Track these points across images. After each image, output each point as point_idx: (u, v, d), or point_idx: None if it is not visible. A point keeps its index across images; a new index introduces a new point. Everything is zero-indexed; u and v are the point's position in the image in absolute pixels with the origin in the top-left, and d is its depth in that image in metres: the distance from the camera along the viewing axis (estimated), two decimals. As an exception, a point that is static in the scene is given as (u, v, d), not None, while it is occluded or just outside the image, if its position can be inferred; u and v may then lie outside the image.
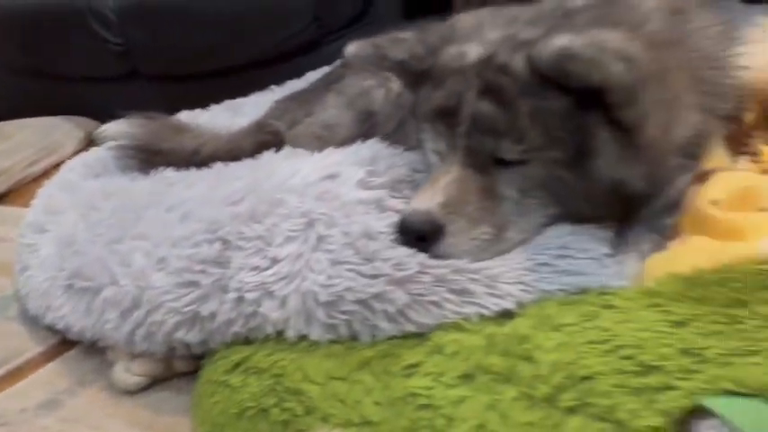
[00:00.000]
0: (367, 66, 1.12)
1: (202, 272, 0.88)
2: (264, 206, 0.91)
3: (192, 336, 0.88)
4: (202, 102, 1.85)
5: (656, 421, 0.54)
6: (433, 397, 0.70)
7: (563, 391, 0.61)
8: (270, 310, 0.82)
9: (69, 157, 2.13)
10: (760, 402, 0.52)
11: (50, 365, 1.07)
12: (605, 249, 0.85)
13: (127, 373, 0.97)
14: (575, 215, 0.88)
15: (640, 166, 0.83)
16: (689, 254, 0.79)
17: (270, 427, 0.77)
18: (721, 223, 0.82)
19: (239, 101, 1.79)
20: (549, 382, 0.63)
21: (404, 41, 0.97)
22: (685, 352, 0.59)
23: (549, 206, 0.87)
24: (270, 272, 0.84)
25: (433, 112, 0.91)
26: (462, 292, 0.80)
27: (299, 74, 1.92)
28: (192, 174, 1.15)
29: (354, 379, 0.77)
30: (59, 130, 2.78)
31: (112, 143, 1.39)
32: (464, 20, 1.01)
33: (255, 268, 0.85)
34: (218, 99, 1.86)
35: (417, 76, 0.96)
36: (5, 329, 1.20)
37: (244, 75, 2.36)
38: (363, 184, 0.93)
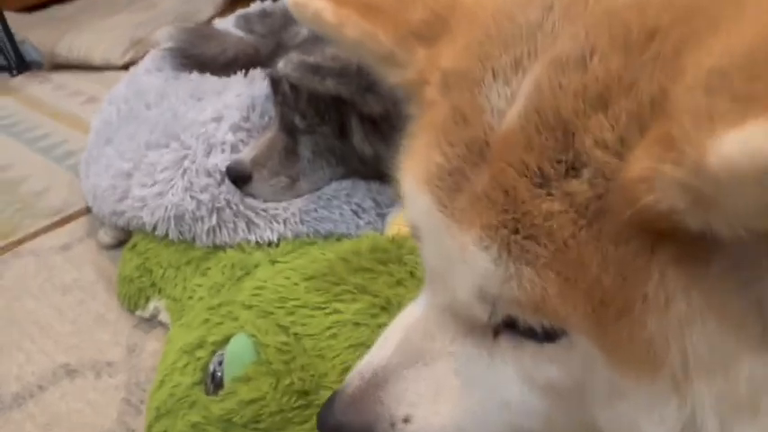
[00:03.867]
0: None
1: (121, 181, 1.30)
2: (164, 139, 1.28)
3: (121, 222, 1.33)
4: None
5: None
6: (199, 289, 1.08)
7: (237, 295, 0.95)
8: (146, 215, 1.23)
9: (206, 22, 2.59)
10: (248, 338, 0.82)
11: (82, 219, 1.60)
12: (370, 203, 1.12)
13: (104, 235, 1.46)
14: (359, 174, 1.15)
15: (386, 146, 1.07)
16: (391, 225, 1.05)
17: (134, 290, 1.21)
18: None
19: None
20: (240, 288, 0.97)
21: (268, 17, 1.23)
22: (282, 298, 0.89)
23: (336, 166, 1.14)
24: (150, 189, 1.24)
25: (270, 80, 1.19)
26: (249, 223, 1.14)
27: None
28: (165, 99, 1.51)
29: (182, 271, 1.17)
30: (200, -5, 3.24)
31: (163, 45, 1.80)
32: None
33: (144, 185, 1.25)
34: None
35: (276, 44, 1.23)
36: (73, 184, 1.74)
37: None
38: (234, 128, 1.26)
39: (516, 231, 0.39)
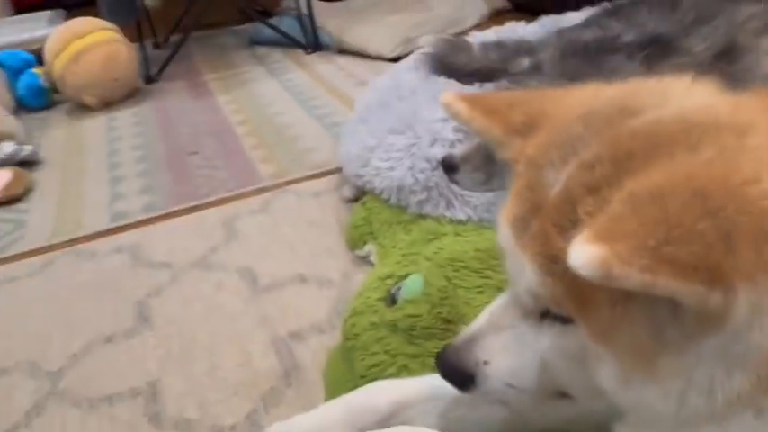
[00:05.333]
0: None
1: (366, 153, 1.71)
2: (403, 127, 1.67)
3: (359, 183, 1.74)
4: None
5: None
6: (401, 242, 1.45)
7: (424, 249, 1.29)
8: (377, 182, 1.63)
9: (468, 30, 3.00)
10: (421, 278, 1.14)
11: (333, 176, 2.07)
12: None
13: (347, 191, 1.89)
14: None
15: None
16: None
17: (357, 235, 1.62)
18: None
19: (566, 16, 2.33)
20: (427, 246, 1.32)
21: (503, 47, 1.54)
22: (452, 259, 1.21)
23: (524, 172, 1.43)
24: (384, 163, 1.63)
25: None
26: (449, 203, 1.48)
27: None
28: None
29: (393, 228, 1.55)
30: (470, 4, 3.62)
31: (424, 49, 2.20)
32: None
33: (381, 159, 1.65)
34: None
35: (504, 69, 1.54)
36: (333, 147, 2.23)
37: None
38: (456, 129, 1.60)
39: (546, 257, 0.64)
